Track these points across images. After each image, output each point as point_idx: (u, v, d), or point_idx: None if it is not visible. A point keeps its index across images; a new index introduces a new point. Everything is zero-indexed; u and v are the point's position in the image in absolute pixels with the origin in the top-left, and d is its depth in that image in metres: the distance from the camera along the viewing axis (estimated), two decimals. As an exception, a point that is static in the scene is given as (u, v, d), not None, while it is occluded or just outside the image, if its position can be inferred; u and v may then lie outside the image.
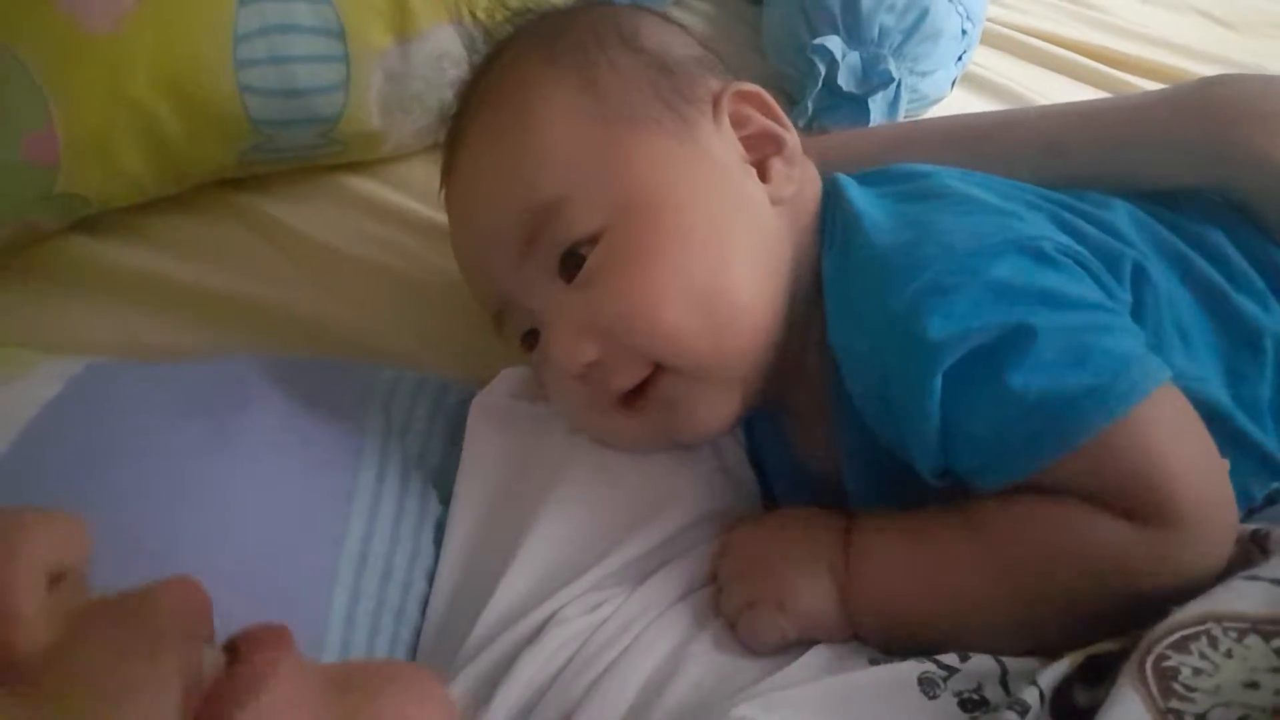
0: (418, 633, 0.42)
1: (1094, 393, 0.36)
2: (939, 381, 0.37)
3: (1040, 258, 0.40)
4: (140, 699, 0.21)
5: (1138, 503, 0.36)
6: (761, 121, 0.46)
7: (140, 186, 0.56)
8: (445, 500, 0.46)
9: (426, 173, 0.54)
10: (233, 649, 0.24)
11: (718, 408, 0.43)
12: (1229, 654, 0.31)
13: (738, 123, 0.46)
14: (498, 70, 0.47)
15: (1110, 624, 0.36)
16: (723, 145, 0.45)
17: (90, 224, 0.58)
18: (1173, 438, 0.37)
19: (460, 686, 0.38)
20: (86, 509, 0.37)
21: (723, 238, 0.42)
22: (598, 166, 0.42)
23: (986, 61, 0.90)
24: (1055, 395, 0.36)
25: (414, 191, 0.64)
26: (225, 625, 0.36)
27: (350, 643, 0.40)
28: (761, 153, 0.46)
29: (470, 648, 0.39)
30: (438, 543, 0.44)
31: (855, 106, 0.75)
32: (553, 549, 0.42)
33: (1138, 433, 0.36)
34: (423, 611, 0.43)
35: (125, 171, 0.55)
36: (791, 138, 0.46)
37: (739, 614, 0.41)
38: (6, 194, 0.51)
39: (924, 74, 0.78)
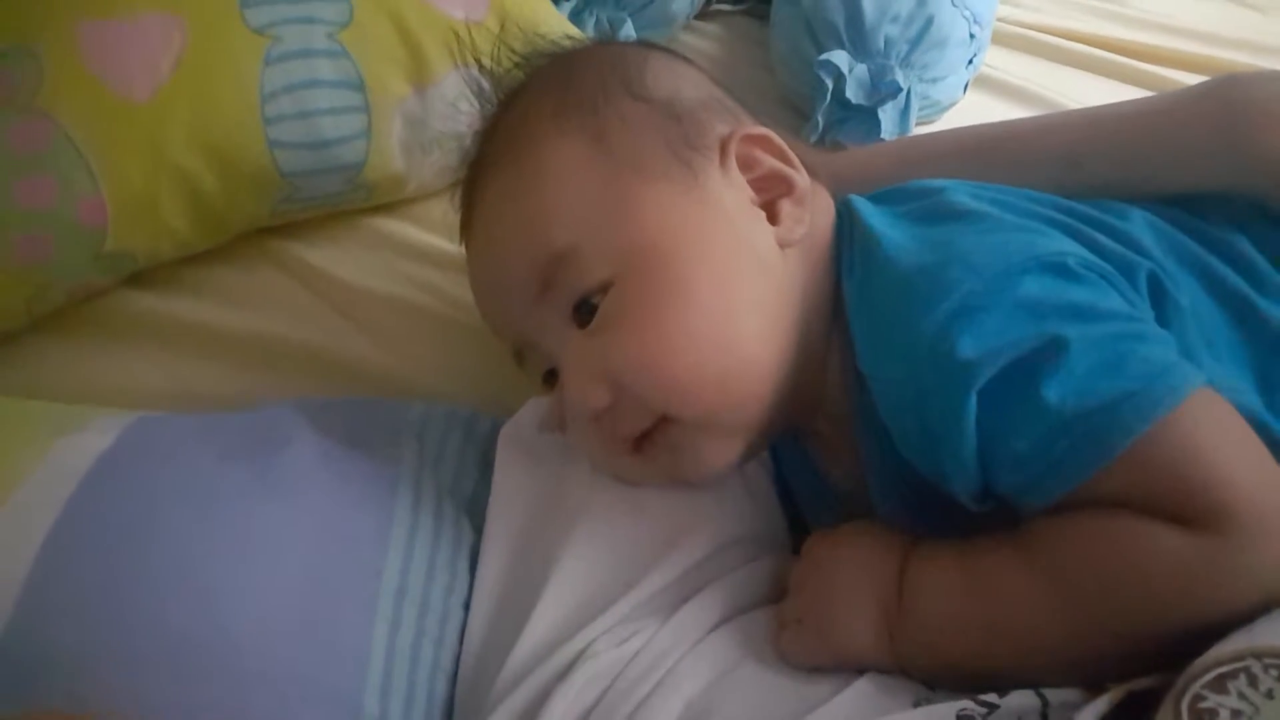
0: (458, 662, 0.43)
1: (1131, 398, 0.36)
2: (974, 400, 0.37)
3: (1065, 273, 0.40)
4: None
5: (1189, 507, 0.35)
6: (770, 163, 0.46)
7: (184, 241, 0.60)
8: (479, 530, 0.47)
9: (449, 210, 0.56)
10: None
11: (721, 453, 0.44)
12: (1270, 694, 0.30)
13: (746, 166, 0.46)
14: (507, 124, 0.48)
15: (1170, 654, 0.34)
16: (731, 192, 0.45)
17: (139, 278, 0.61)
18: (1218, 439, 0.36)
19: None
20: (143, 553, 0.40)
21: (729, 288, 0.43)
22: (606, 218, 0.43)
23: (1000, 62, 0.90)
24: (1092, 405, 0.36)
25: (438, 228, 0.66)
26: (268, 659, 0.39)
27: (392, 673, 0.41)
28: (771, 194, 0.46)
29: (503, 684, 0.40)
30: (473, 571, 0.46)
31: (866, 118, 0.75)
32: (581, 581, 0.43)
33: (1180, 435, 0.35)
34: (461, 641, 0.44)
35: (169, 229, 0.58)
36: (801, 178, 0.47)
37: (786, 625, 0.42)
38: (65, 254, 0.55)
39: (934, 81, 0.78)
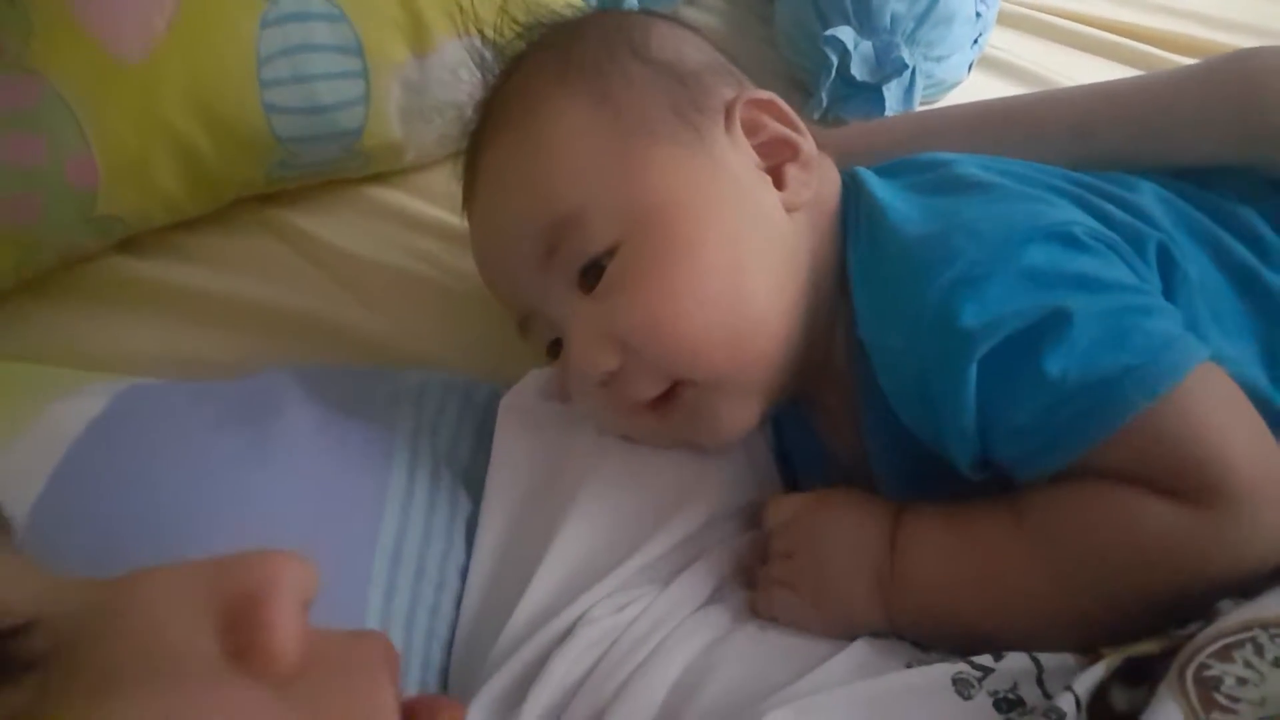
0: (453, 628, 0.43)
1: (1133, 372, 0.35)
2: (974, 370, 0.37)
3: (1071, 242, 0.40)
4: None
5: (1186, 482, 0.35)
6: (775, 128, 0.46)
7: (176, 206, 0.59)
8: (475, 498, 0.47)
9: (448, 180, 0.55)
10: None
11: (738, 415, 0.44)
12: (1276, 662, 0.30)
13: (751, 130, 0.46)
14: (511, 88, 0.48)
15: (1160, 618, 0.35)
16: (736, 155, 0.45)
17: (131, 243, 0.60)
18: (1219, 415, 0.36)
19: (495, 687, 0.39)
20: (134, 519, 0.40)
21: (737, 250, 0.43)
22: (613, 180, 0.43)
23: (1004, 43, 0.89)
24: (1094, 378, 0.36)
25: (438, 199, 0.65)
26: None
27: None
28: (776, 159, 0.46)
29: (502, 648, 0.40)
30: (469, 540, 0.46)
31: (870, 95, 0.75)
32: (581, 548, 0.43)
33: (1181, 411, 0.35)
34: (457, 608, 0.44)
35: (162, 192, 0.57)
36: (806, 143, 0.46)
37: (772, 586, 0.42)
38: (53, 217, 0.54)
39: (939, 59, 0.78)
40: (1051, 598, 0.37)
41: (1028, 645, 0.36)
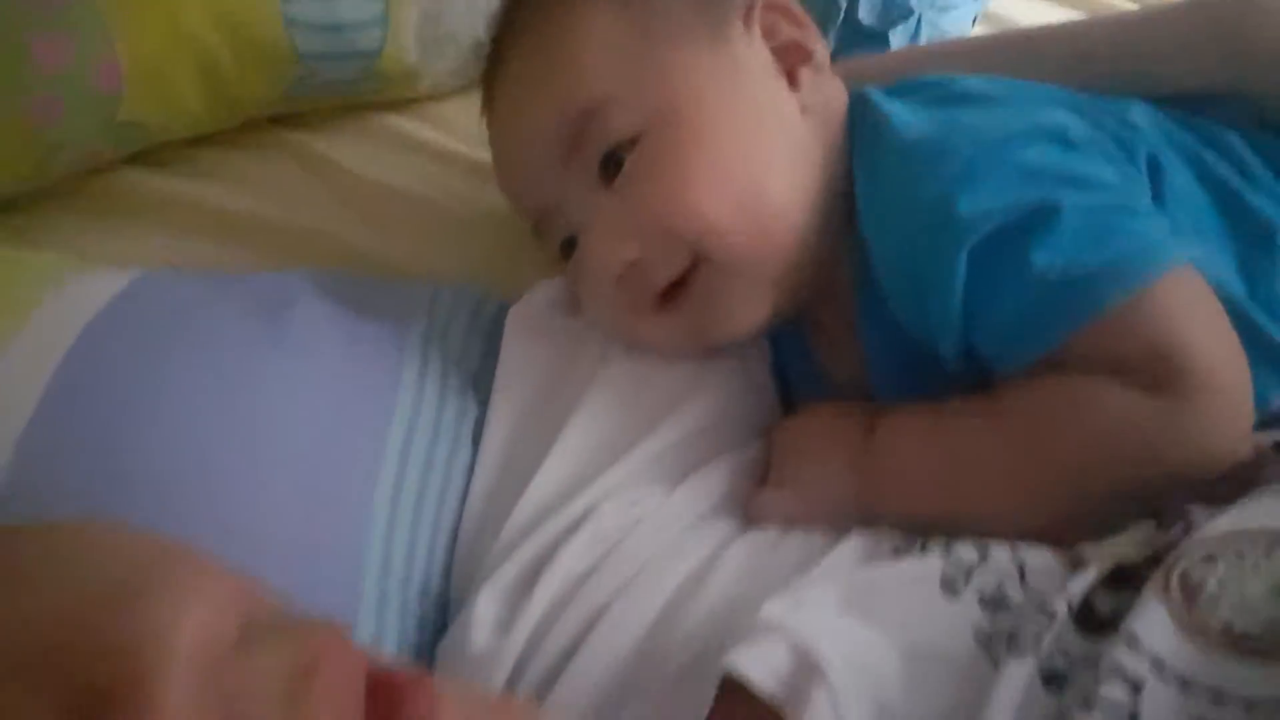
0: (458, 519, 0.44)
1: (1112, 268, 0.37)
2: (964, 258, 0.39)
3: (1066, 144, 0.41)
4: None
5: (1150, 372, 0.37)
6: (790, 32, 0.48)
7: (194, 118, 0.60)
8: (482, 402, 0.48)
9: (462, 112, 0.56)
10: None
11: (751, 305, 0.45)
12: (1256, 567, 0.32)
13: (768, 33, 0.47)
14: None
15: (1124, 508, 0.37)
16: (754, 55, 0.46)
17: (149, 157, 0.61)
18: (1189, 312, 0.38)
19: (506, 575, 0.40)
20: (148, 394, 0.40)
21: (757, 142, 0.44)
22: (636, 74, 0.44)
23: (1008, 1, 0.91)
24: (1075, 273, 0.37)
25: (450, 129, 0.67)
26: (272, 511, 0.38)
27: (394, 526, 0.42)
28: (790, 62, 0.47)
29: (508, 537, 0.41)
30: (475, 440, 0.46)
31: (876, 42, 0.76)
32: (588, 441, 0.44)
33: (1153, 307, 0.37)
34: (462, 503, 0.44)
35: (181, 102, 0.58)
36: (820, 47, 0.48)
37: (762, 490, 0.43)
38: (77, 120, 0.54)
39: (944, 9, 0.78)
40: (1019, 483, 0.39)
41: (997, 530, 0.38)
